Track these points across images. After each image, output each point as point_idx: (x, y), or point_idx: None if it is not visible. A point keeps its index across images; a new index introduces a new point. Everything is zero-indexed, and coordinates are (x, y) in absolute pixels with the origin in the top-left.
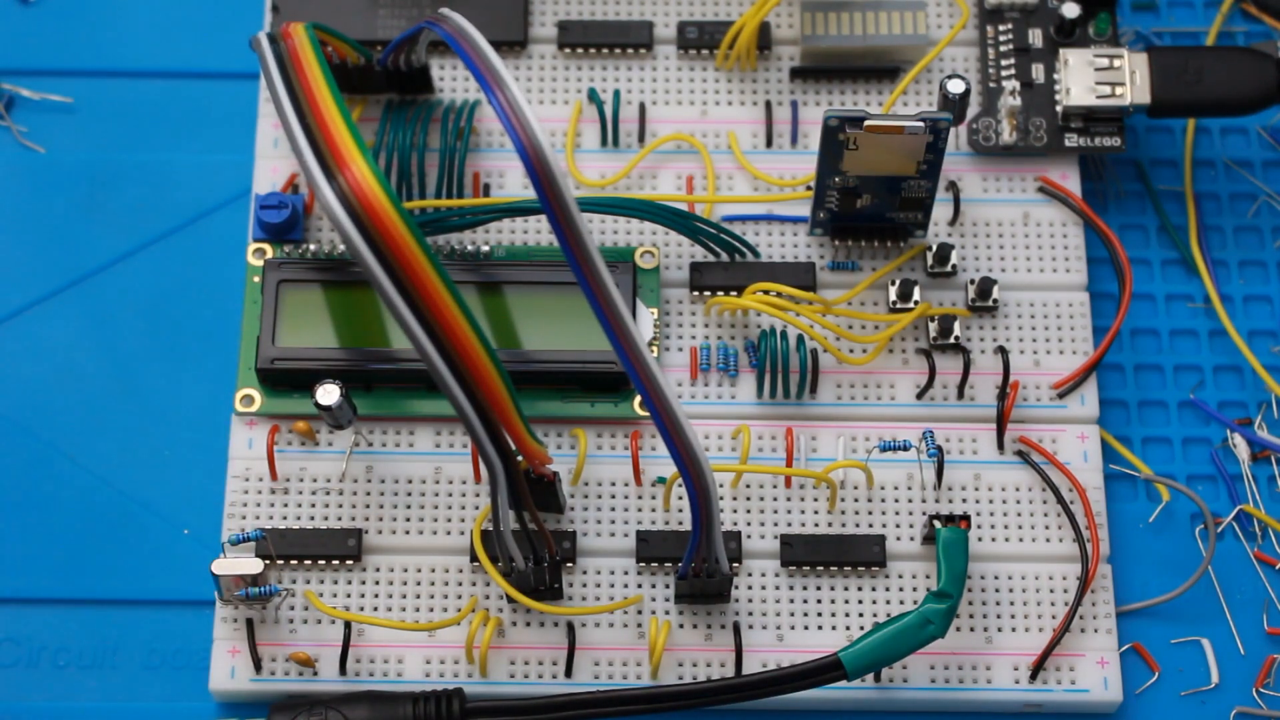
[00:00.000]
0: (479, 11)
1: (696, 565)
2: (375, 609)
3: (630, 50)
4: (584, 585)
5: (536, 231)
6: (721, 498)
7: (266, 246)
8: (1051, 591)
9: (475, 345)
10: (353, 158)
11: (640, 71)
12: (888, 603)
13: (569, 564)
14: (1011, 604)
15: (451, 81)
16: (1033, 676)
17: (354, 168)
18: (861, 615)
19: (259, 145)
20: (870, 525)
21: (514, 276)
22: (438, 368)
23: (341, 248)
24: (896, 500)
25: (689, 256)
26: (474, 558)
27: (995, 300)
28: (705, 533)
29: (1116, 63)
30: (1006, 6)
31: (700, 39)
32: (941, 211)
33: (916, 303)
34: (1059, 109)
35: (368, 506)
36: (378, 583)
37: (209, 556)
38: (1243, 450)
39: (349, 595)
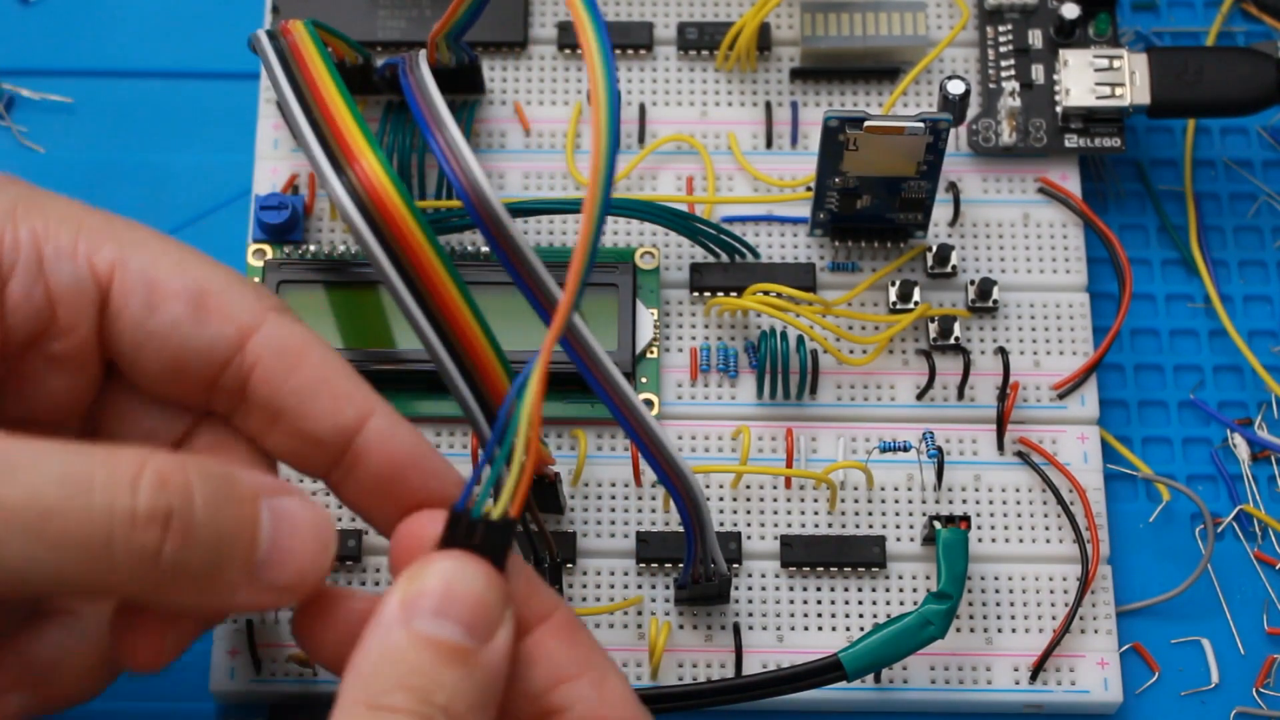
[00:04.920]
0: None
1: (695, 572)
2: None
3: (630, 51)
4: (584, 586)
5: (536, 233)
6: (722, 499)
7: (267, 247)
8: (1051, 592)
9: (484, 344)
10: (362, 152)
11: (640, 72)
12: (888, 603)
13: (569, 565)
14: (1011, 605)
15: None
16: (1033, 677)
17: (364, 161)
18: (861, 616)
19: (259, 145)
20: (870, 526)
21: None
22: (445, 366)
23: (342, 248)
24: (896, 501)
25: (689, 257)
26: None
27: (995, 301)
28: (700, 539)
29: (1116, 63)
30: (1006, 7)
31: (700, 40)
32: (941, 212)
33: (916, 303)
34: (1059, 110)
35: None
36: (378, 583)
37: None
38: (1243, 450)
39: None
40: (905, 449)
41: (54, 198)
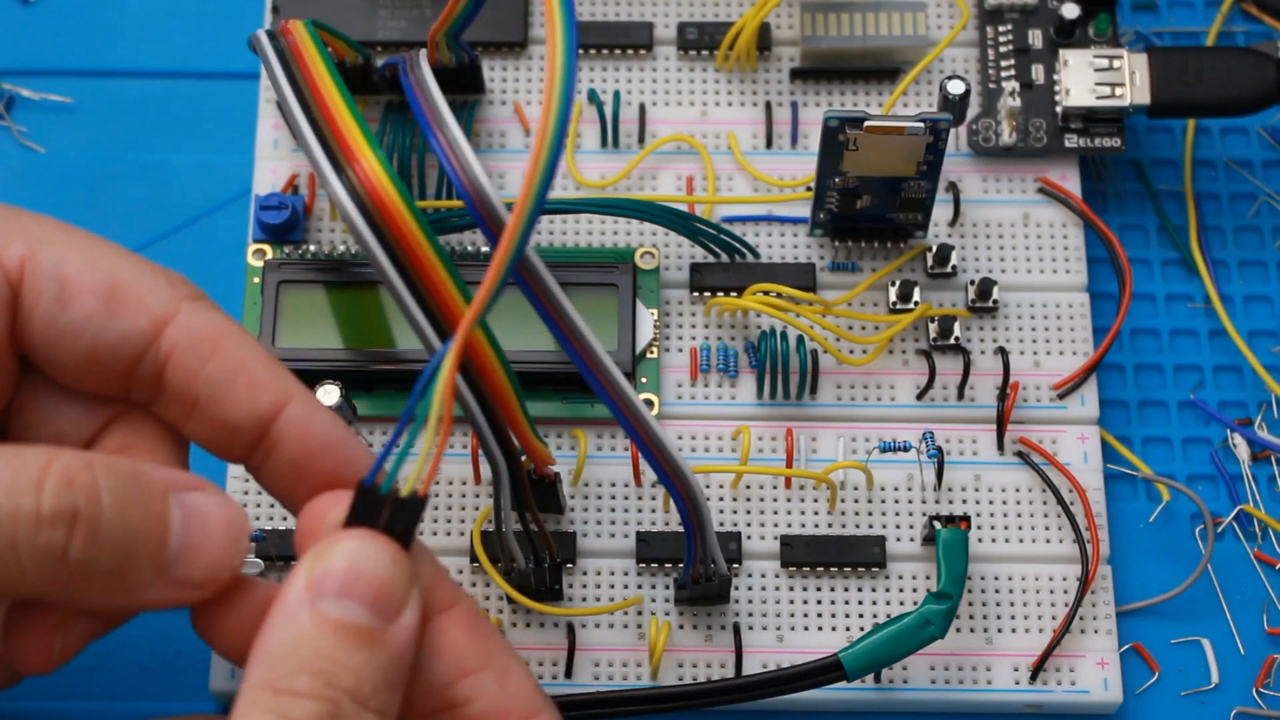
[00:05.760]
0: (480, 12)
1: (695, 572)
2: None
3: (630, 51)
4: (584, 586)
5: (537, 232)
6: (722, 499)
7: (266, 247)
8: (1051, 592)
9: (483, 344)
10: (362, 152)
11: (640, 72)
12: (888, 603)
13: (569, 565)
14: (1011, 605)
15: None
16: (1033, 677)
17: (364, 161)
18: (861, 616)
19: (259, 145)
20: (870, 526)
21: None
22: None
23: (342, 248)
24: (896, 501)
25: (689, 257)
26: (474, 558)
27: (995, 301)
28: (700, 539)
29: (1116, 63)
30: (1006, 7)
31: (700, 40)
32: (941, 212)
33: (916, 303)
34: (1059, 110)
35: None
36: None
37: None
38: (1243, 450)
39: None
40: (905, 449)
41: None
